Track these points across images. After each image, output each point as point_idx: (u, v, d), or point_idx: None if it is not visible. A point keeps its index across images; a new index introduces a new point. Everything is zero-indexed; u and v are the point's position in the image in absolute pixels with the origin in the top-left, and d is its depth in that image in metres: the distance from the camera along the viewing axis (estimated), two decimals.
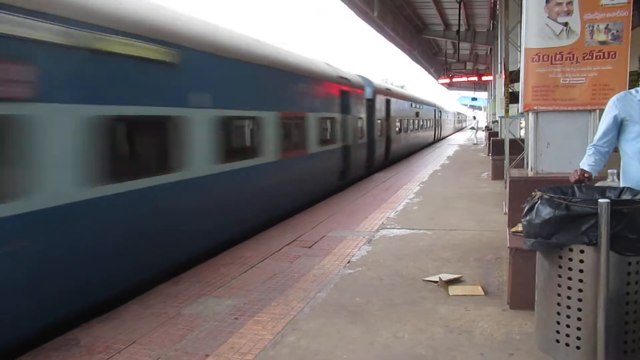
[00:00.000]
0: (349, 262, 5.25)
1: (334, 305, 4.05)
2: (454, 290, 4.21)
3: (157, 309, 4.09)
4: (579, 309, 2.22)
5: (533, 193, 2.46)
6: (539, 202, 2.37)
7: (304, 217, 7.80)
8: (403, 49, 24.16)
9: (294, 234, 6.61)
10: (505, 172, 9.86)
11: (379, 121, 14.59)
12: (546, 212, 2.30)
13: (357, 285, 4.52)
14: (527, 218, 2.40)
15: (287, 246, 5.99)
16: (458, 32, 18.38)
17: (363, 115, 12.72)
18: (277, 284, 4.63)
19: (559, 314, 2.29)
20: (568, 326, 2.25)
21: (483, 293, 4.14)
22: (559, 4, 4.39)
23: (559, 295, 2.29)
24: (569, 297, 2.25)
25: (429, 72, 35.79)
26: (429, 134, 27.43)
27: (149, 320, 3.86)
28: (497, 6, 14.38)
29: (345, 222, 7.29)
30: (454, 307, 3.92)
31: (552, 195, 2.34)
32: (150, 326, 3.74)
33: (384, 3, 16.65)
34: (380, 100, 14.60)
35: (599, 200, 2.13)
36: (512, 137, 10.25)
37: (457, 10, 16.55)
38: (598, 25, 4.33)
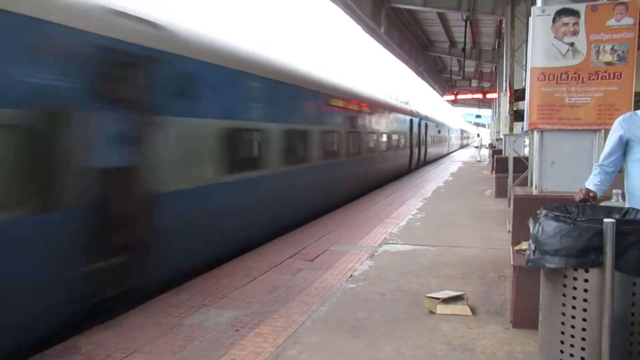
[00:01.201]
0: (351, 276, 5.24)
1: (335, 320, 4.03)
2: (442, 309, 4.18)
3: (159, 318, 4.08)
4: (584, 329, 2.20)
5: (538, 211, 2.46)
6: (543, 219, 2.37)
7: (307, 230, 7.80)
8: (409, 65, 24.36)
9: (297, 246, 6.60)
10: (508, 190, 9.85)
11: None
12: (551, 230, 2.30)
13: (359, 300, 4.50)
14: (532, 237, 2.40)
15: (289, 259, 5.98)
16: (464, 49, 18.54)
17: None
18: (279, 296, 4.62)
19: (563, 333, 2.27)
20: (572, 346, 2.23)
21: (471, 313, 4.10)
22: (566, 24, 4.43)
23: (563, 314, 2.27)
24: (573, 317, 2.23)
25: (434, 88, 35.97)
26: (445, 146, 36.38)
27: (150, 329, 3.85)
28: (503, 25, 14.53)
29: (348, 236, 7.28)
30: (457, 324, 3.89)
31: (557, 213, 2.34)
32: (151, 335, 3.73)
33: (391, 19, 16.83)
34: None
35: (604, 220, 2.13)
36: (516, 155, 10.26)
37: (463, 28, 16.71)
38: (604, 46, 4.36)
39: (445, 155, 34.91)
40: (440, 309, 4.17)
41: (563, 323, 2.27)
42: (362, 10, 13.79)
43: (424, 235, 7.34)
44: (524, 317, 3.69)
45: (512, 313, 3.87)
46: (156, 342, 3.61)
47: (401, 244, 6.74)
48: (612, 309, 2.10)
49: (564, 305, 2.27)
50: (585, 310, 2.20)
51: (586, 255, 2.18)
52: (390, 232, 7.57)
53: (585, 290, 2.20)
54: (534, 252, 2.39)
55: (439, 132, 30.30)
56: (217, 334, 3.76)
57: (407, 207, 10.25)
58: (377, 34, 16.65)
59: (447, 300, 4.28)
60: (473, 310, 4.16)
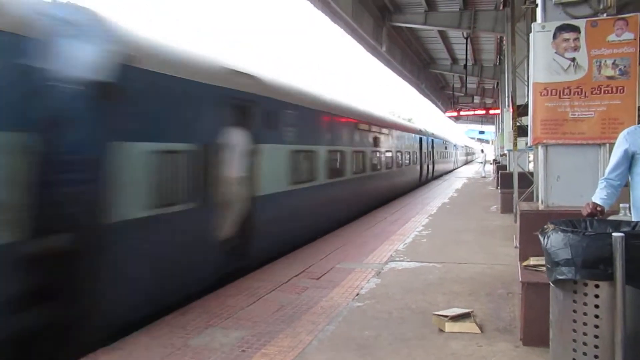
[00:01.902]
0: (357, 294, 5.19)
1: (342, 339, 3.98)
2: (450, 326, 4.12)
3: (164, 339, 4.04)
4: (596, 346, 2.18)
5: (545, 226, 2.45)
6: (552, 233, 2.35)
7: (312, 249, 7.77)
8: (411, 83, 24.54)
9: (302, 265, 6.56)
10: (514, 206, 9.80)
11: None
12: (559, 245, 2.29)
13: (366, 319, 4.45)
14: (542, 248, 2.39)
15: (295, 277, 5.94)
16: (465, 66, 18.68)
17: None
18: (285, 315, 4.57)
19: (575, 350, 2.24)
20: None
21: (480, 331, 4.04)
22: (566, 39, 4.46)
23: (574, 331, 2.24)
24: (585, 334, 2.20)
25: (437, 105, 36.14)
26: (452, 161, 38.98)
27: (156, 351, 3.81)
28: (504, 42, 14.65)
29: (353, 254, 7.24)
30: (466, 342, 3.84)
31: (565, 228, 2.33)
32: (156, 357, 3.69)
33: (392, 38, 17.02)
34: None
35: (613, 234, 2.11)
36: (520, 170, 10.24)
37: (465, 45, 16.87)
38: (605, 61, 4.38)
39: (451, 171, 36.67)
40: (449, 326, 4.12)
41: (575, 340, 2.24)
42: (363, 29, 13.96)
43: (430, 252, 7.29)
44: (534, 334, 3.63)
45: (521, 330, 3.82)
46: None
47: (407, 261, 6.69)
48: (624, 324, 2.07)
49: (574, 321, 2.24)
50: (597, 326, 2.18)
51: (596, 269, 2.17)
52: (397, 249, 7.53)
53: (596, 306, 2.18)
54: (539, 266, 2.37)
55: (446, 148, 33.11)
56: (223, 354, 3.72)
57: (413, 223, 10.21)
58: (379, 53, 16.82)
59: (455, 318, 4.22)
60: (482, 327, 4.10)
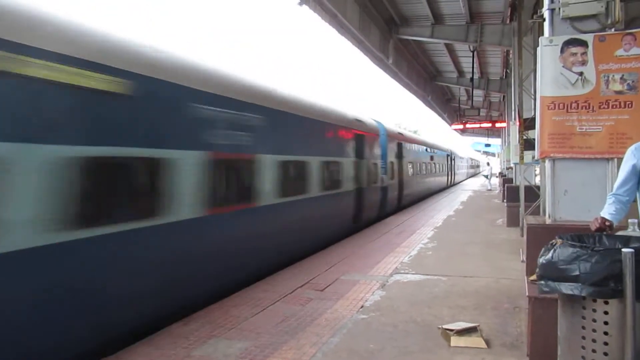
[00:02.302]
0: (362, 307, 5.15)
1: (346, 352, 3.94)
2: (456, 341, 4.08)
3: (167, 349, 4.02)
4: None
5: (553, 241, 2.43)
6: (559, 249, 2.33)
7: (316, 260, 7.73)
8: (417, 95, 24.57)
9: (307, 276, 6.53)
10: (520, 219, 9.74)
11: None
12: (567, 260, 2.26)
13: (370, 331, 4.41)
14: (546, 262, 2.35)
15: (299, 288, 5.91)
16: (472, 79, 18.72)
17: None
18: (288, 327, 4.54)
19: None
20: None
21: (486, 346, 3.99)
22: (574, 54, 4.45)
23: (583, 347, 2.21)
24: (594, 350, 2.17)
25: (443, 118, 36.15)
26: (464, 174, 45.14)
27: None
28: (510, 55, 14.69)
29: (358, 266, 7.20)
30: (471, 357, 3.79)
31: (573, 242, 2.30)
32: None
33: (399, 51, 17.10)
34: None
35: (623, 249, 2.09)
36: (527, 183, 10.19)
37: (471, 58, 16.92)
38: (613, 76, 4.37)
39: (462, 181, 40.15)
40: (454, 341, 4.07)
41: (583, 357, 2.21)
42: (370, 42, 14.04)
43: (436, 264, 7.24)
44: (542, 350, 3.58)
45: (528, 346, 3.77)
46: None
47: (413, 274, 6.65)
48: (634, 341, 2.04)
49: (583, 338, 2.21)
50: (606, 343, 2.14)
51: (605, 286, 2.14)
52: (402, 261, 7.48)
53: (606, 323, 2.15)
54: (550, 277, 2.33)
55: (461, 162, 39.68)
56: None
57: (418, 236, 10.16)
58: (386, 65, 16.89)
59: (460, 332, 4.18)
60: (488, 342, 4.06)
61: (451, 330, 4.27)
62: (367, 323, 4.64)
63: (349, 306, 5.17)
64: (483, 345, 4.01)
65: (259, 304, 5.27)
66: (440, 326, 4.41)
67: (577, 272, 2.21)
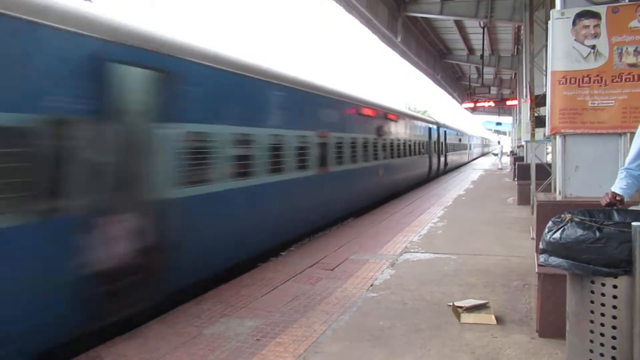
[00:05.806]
0: (372, 285, 5.19)
1: (356, 329, 3.98)
2: (466, 317, 4.09)
3: (180, 328, 4.10)
4: (614, 337, 2.13)
5: (562, 215, 2.40)
6: (569, 225, 2.30)
7: (326, 239, 7.77)
8: (426, 74, 24.25)
9: (316, 256, 6.58)
10: (531, 197, 9.66)
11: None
12: (576, 235, 2.24)
13: (380, 309, 4.45)
14: (554, 238, 2.33)
15: (309, 268, 5.96)
16: (482, 57, 18.38)
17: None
18: (299, 306, 4.59)
19: (592, 342, 2.20)
20: (602, 355, 2.16)
21: (495, 322, 4.00)
22: (586, 26, 4.34)
23: (591, 322, 2.20)
24: (602, 325, 2.16)
25: (453, 96, 35.71)
26: (466, 154, 41.92)
27: (172, 339, 3.86)
28: (522, 31, 14.38)
29: (368, 245, 7.23)
30: (481, 333, 3.81)
31: (582, 217, 2.28)
32: (172, 345, 3.74)
33: (407, 28, 16.82)
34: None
35: (633, 223, 2.06)
36: (538, 161, 10.08)
37: (481, 35, 16.60)
38: (627, 48, 4.25)
39: (466, 163, 36.68)
40: (464, 317, 4.09)
41: (592, 331, 2.20)
42: (378, 20, 13.81)
43: (446, 243, 7.24)
44: (551, 326, 3.59)
45: (537, 322, 3.77)
46: (177, 352, 3.63)
47: (422, 253, 6.66)
48: None
49: (592, 312, 2.20)
50: (614, 317, 2.13)
51: (614, 261, 2.12)
52: (411, 240, 7.49)
53: (614, 297, 2.14)
54: (558, 253, 2.31)
55: (460, 140, 33.26)
56: (237, 343, 3.76)
57: (428, 215, 10.15)
58: (394, 44, 16.65)
59: (470, 309, 4.19)
60: (498, 319, 4.07)
61: (461, 307, 4.28)
62: (377, 301, 4.68)
63: (359, 285, 5.21)
64: (493, 321, 4.02)
65: (270, 283, 5.33)
66: (450, 303, 4.43)
67: (585, 250, 2.19)
